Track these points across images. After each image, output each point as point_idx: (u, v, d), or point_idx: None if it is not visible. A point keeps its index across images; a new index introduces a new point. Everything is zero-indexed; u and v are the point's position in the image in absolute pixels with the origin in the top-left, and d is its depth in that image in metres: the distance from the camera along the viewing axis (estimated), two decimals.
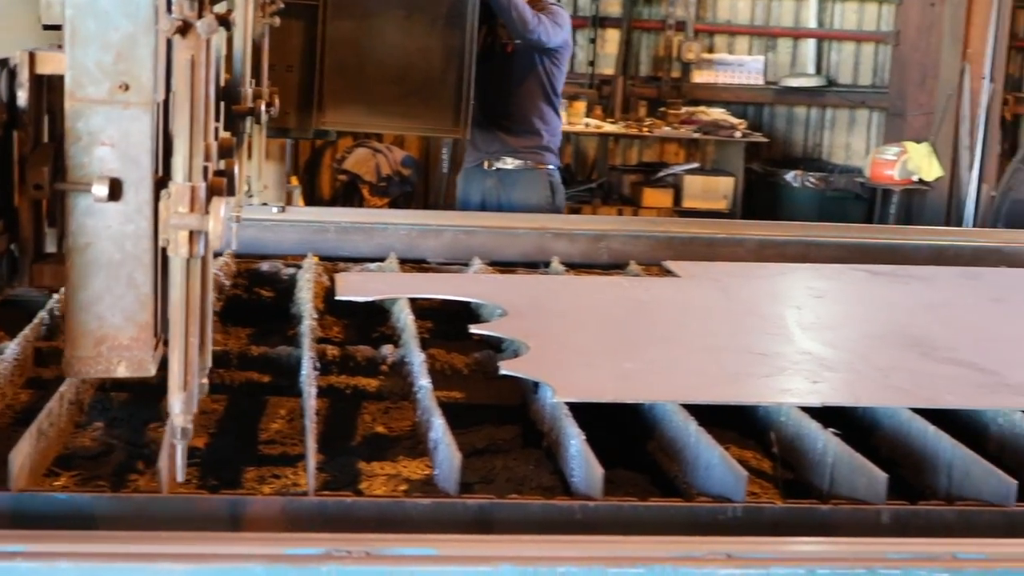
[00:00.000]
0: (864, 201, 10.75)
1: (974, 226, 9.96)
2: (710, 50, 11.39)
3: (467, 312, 3.90)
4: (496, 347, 3.53)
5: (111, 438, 2.97)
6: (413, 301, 3.84)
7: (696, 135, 10.89)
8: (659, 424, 2.97)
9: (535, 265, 4.69)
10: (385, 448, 3.03)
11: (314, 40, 5.17)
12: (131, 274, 2.04)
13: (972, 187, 10.22)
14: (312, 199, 10.01)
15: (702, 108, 10.97)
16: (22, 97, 2.09)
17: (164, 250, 2.01)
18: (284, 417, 3.23)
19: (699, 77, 11.28)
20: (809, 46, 11.44)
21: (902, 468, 2.91)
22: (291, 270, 4.25)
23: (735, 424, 3.12)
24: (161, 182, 2.02)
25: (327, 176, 10.93)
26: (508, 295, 3.97)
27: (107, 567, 2.08)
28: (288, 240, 4.58)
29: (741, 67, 11.32)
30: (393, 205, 10.26)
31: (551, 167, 6.63)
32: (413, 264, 4.60)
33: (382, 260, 4.46)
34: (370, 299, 3.90)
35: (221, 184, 2.01)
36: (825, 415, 2.99)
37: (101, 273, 2.04)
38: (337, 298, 3.90)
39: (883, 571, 2.17)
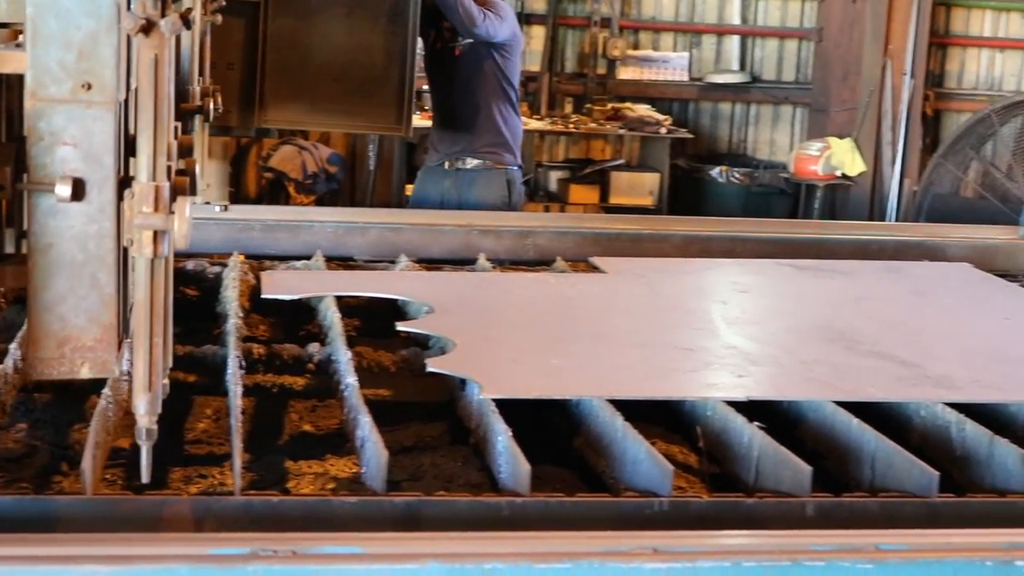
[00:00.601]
0: (788, 196, 10.83)
1: (897, 220, 10.06)
2: (635, 47, 11.43)
3: (394, 310, 3.89)
4: (423, 344, 3.52)
5: (34, 440, 2.94)
6: (340, 299, 3.83)
7: (622, 131, 10.92)
8: (586, 420, 2.98)
9: (462, 262, 4.69)
10: (312, 447, 3.02)
11: (255, 38, 5.13)
12: (94, 274, 2.03)
13: (894, 182, 10.32)
14: (238, 197, 9.94)
15: (628, 104, 11.01)
16: None
17: (126, 250, 2.00)
18: (210, 417, 3.21)
19: (624, 74, 11.31)
20: (733, 42, 11.51)
21: (827, 460, 2.93)
22: (216, 269, 4.22)
23: (662, 419, 3.13)
24: (123, 182, 2.00)
25: (252, 174, 10.87)
26: (435, 292, 3.97)
27: (28, 570, 2.06)
28: (214, 238, 4.54)
29: (666, 63, 11.37)
30: (319, 203, 10.21)
31: (511, 166, 6.65)
32: (340, 262, 4.58)
33: (308, 258, 4.44)
34: (296, 297, 3.88)
35: (184, 183, 2.00)
36: (751, 409, 3.01)
37: (64, 274, 2.03)
38: (263, 296, 3.88)
39: (807, 563, 2.19)
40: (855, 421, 2.93)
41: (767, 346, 3.64)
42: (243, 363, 3.15)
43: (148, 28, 1.90)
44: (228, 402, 2.96)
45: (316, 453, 2.95)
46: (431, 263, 4.64)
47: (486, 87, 6.51)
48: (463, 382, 3.13)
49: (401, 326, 3.61)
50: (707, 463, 2.90)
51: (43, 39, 1.97)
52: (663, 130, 10.79)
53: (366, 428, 2.67)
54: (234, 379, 2.96)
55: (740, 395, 3.11)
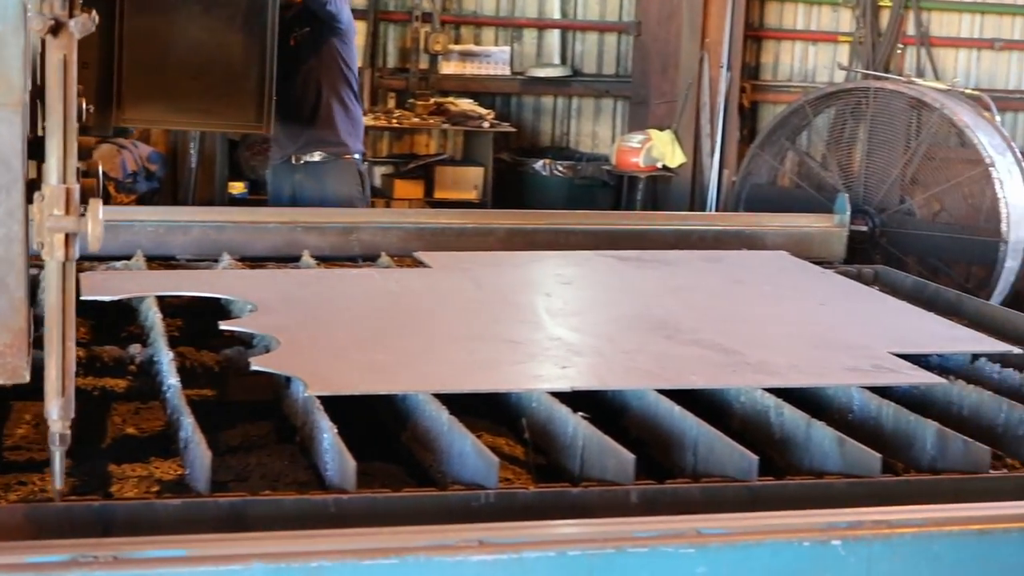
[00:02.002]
0: (611, 188, 10.94)
1: (716, 210, 10.22)
2: (457, 41, 11.45)
3: (217, 309, 3.85)
4: (247, 343, 3.49)
5: None
6: (161, 299, 3.78)
7: (445, 126, 10.93)
8: (412, 414, 2.98)
9: (286, 259, 4.66)
10: (136, 449, 2.97)
11: (111, 36, 5.02)
12: (3, 279, 1.99)
13: (714, 173, 10.49)
14: None
15: (451, 99, 11.02)
16: None
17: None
18: (29, 422, 3.14)
19: (447, 68, 11.32)
20: (554, 36, 11.59)
21: (650, 448, 2.98)
22: (34, 271, 4.12)
23: (488, 412, 3.14)
24: (29, 185, 1.95)
25: None
26: (258, 290, 3.94)
27: None
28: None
29: (488, 58, 11.40)
30: (140, 202, 10.04)
31: (357, 156, 6.59)
32: (161, 261, 4.52)
33: (128, 258, 4.36)
34: (117, 298, 3.82)
35: (93, 185, 1.96)
36: (576, 399, 3.04)
37: None
38: (82, 298, 3.81)
39: (631, 549, 2.22)
40: (677, 408, 2.98)
41: (590, 337, 3.68)
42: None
43: (57, 29, 1.87)
44: None
45: (140, 456, 2.90)
46: (255, 261, 4.60)
47: (328, 75, 6.46)
48: (288, 380, 3.11)
49: (224, 325, 3.57)
50: (533, 454, 2.92)
51: None
52: (486, 124, 10.82)
53: (189, 429, 2.65)
54: None
55: (564, 386, 3.13)
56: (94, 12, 1.91)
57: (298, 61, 6.36)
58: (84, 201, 1.95)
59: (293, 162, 6.53)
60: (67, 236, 1.92)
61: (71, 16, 1.88)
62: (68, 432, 2.04)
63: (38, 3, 1.87)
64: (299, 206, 6.33)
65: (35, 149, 2.04)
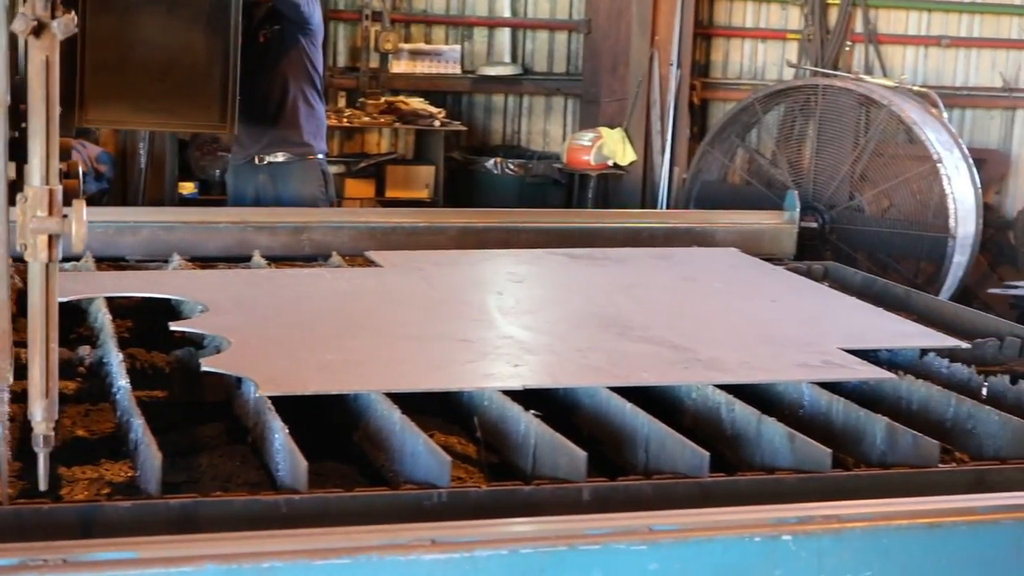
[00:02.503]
0: (562, 186, 10.94)
1: (667, 208, 10.25)
2: (407, 40, 11.43)
3: (168, 309, 3.83)
4: (198, 344, 3.48)
5: None
6: (111, 300, 3.75)
7: (396, 125, 10.91)
8: (364, 414, 2.98)
9: (237, 259, 4.64)
10: (86, 452, 2.95)
11: (73, 36, 4.97)
12: None
13: (664, 170, 10.51)
14: None
15: (401, 98, 10.99)
16: None
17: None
18: None
19: (397, 67, 11.29)
20: (504, 35, 11.59)
21: (603, 445, 2.99)
22: None
23: (440, 411, 3.14)
24: (11, 186, 1.94)
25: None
26: (209, 291, 3.92)
27: None
28: None
29: (439, 57, 11.38)
30: (90, 203, 9.95)
31: (320, 156, 6.55)
32: (111, 262, 4.49)
33: (77, 259, 4.33)
34: (65, 300, 3.79)
35: (75, 186, 1.95)
36: (528, 397, 3.05)
37: None
38: None
39: (583, 547, 2.23)
40: (629, 406, 2.99)
41: (542, 335, 3.68)
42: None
43: (39, 30, 1.87)
44: None
45: (90, 458, 2.88)
46: (205, 261, 4.58)
47: (294, 75, 6.42)
48: (239, 381, 3.10)
49: (175, 326, 3.56)
50: (485, 453, 2.92)
51: None
52: (437, 123, 10.80)
53: (139, 431, 2.63)
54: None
55: (516, 384, 3.14)
56: (73, 13, 1.91)
57: (265, 60, 6.33)
58: (67, 202, 1.94)
59: (256, 162, 6.48)
60: (50, 237, 1.91)
61: (53, 17, 1.88)
62: (52, 433, 2.04)
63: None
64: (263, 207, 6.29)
65: (14, 150, 2.02)
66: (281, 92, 6.40)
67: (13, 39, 1.96)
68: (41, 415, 2.00)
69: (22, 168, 2.00)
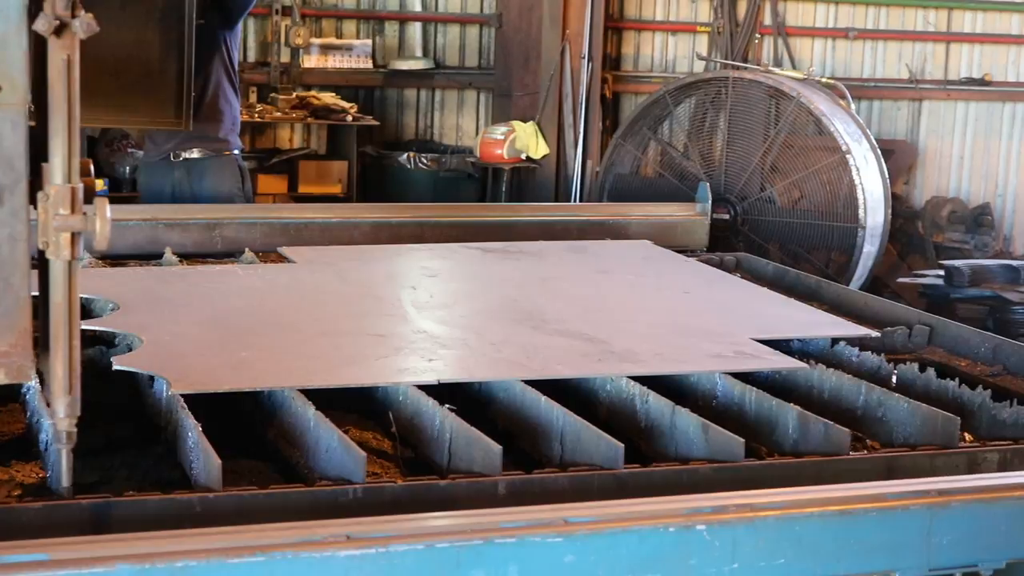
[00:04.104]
0: (476, 180, 10.95)
1: (581, 201, 10.28)
2: (318, 35, 11.38)
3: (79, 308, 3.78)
4: (109, 343, 3.44)
5: None
6: None
7: (309, 120, 10.86)
8: (278, 411, 2.96)
9: (148, 257, 4.60)
10: None
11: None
12: (7, 279, 2.00)
13: (577, 163, 10.54)
14: None
15: (313, 93, 10.93)
16: None
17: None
18: None
19: (309, 62, 11.24)
20: (416, 29, 11.56)
21: (518, 439, 2.99)
22: None
23: (355, 406, 3.14)
24: (31, 185, 1.94)
25: None
26: (120, 289, 3.89)
27: None
28: None
29: (350, 51, 11.34)
30: None
31: (236, 151, 6.48)
32: None
33: None
34: None
35: (94, 184, 1.95)
36: (443, 392, 3.05)
37: None
38: None
39: (499, 540, 2.23)
40: (544, 399, 3.00)
41: (456, 329, 3.68)
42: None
43: (60, 29, 1.88)
44: None
45: (1, 459, 2.85)
46: (116, 259, 4.53)
47: (214, 72, 6.34)
48: (151, 379, 3.08)
49: (86, 325, 3.51)
50: (401, 448, 2.92)
51: None
52: (349, 118, 10.76)
53: (49, 431, 2.60)
54: None
55: (431, 379, 3.14)
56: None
57: None
58: (87, 200, 1.92)
59: (172, 159, 6.39)
60: (72, 235, 1.90)
61: (74, 16, 1.88)
62: (74, 430, 2.04)
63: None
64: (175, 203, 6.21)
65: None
66: (199, 88, 6.33)
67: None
68: (64, 412, 2.02)
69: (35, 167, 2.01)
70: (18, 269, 2.02)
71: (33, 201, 2.06)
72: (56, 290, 1.98)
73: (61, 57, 1.92)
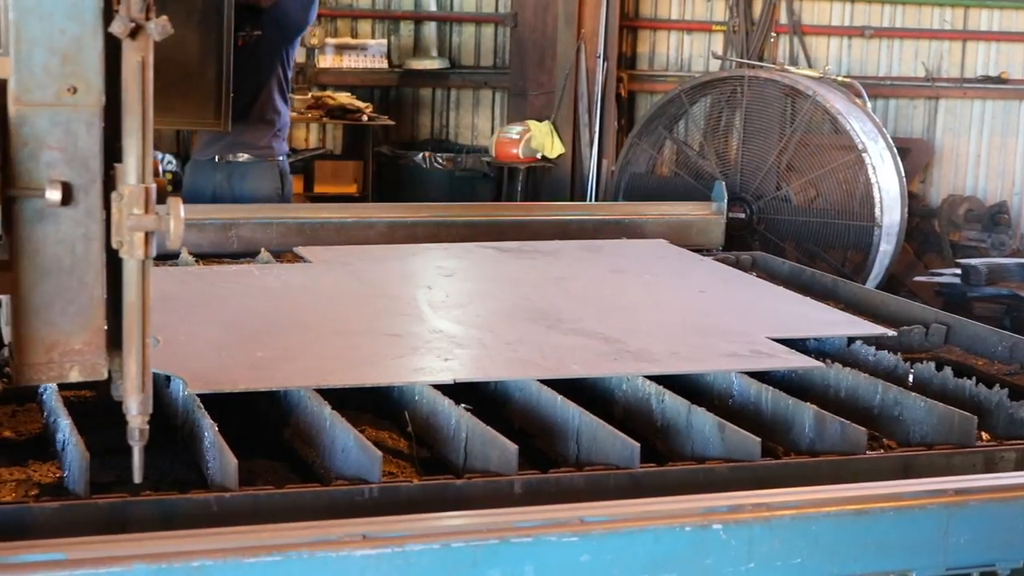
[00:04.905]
0: (491, 179, 10.95)
1: (596, 200, 10.27)
2: (334, 34, 11.38)
3: None
4: None
5: None
6: None
7: (324, 120, 10.87)
8: (294, 411, 2.97)
9: (164, 257, 4.60)
10: (14, 453, 2.92)
11: None
12: (82, 278, 2.03)
13: (593, 162, 10.54)
14: None
15: (328, 93, 10.95)
16: None
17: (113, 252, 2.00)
18: None
19: (324, 62, 11.25)
20: (431, 29, 11.57)
21: (534, 438, 2.99)
22: None
23: (371, 406, 3.14)
24: (104, 184, 1.99)
25: None
26: None
27: None
28: None
29: (365, 51, 11.35)
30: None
31: (281, 157, 6.53)
32: None
33: None
34: None
35: (164, 184, 2.00)
36: (458, 391, 3.05)
37: (51, 278, 2.03)
38: None
39: (515, 540, 2.23)
40: (560, 398, 2.99)
41: (472, 328, 3.68)
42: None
43: (136, 32, 1.92)
44: None
45: (18, 459, 2.85)
46: None
47: (268, 79, 6.39)
48: (168, 379, 3.08)
49: None
50: (416, 447, 2.92)
51: (27, 43, 1.96)
52: (365, 118, 10.77)
53: (66, 431, 2.61)
54: None
55: (447, 378, 3.14)
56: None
57: (241, 63, 6.26)
58: (160, 200, 1.99)
59: (217, 161, 6.44)
60: (146, 235, 1.97)
61: (148, 19, 1.93)
62: (147, 427, 2.07)
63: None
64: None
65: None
66: (251, 96, 6.35)
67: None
68: (137, 409, 2.06)
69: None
70: (92, 268, 2.05)
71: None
72: (130, 289, 2.02)
73: (136, 59, 1.95)
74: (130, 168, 1.96)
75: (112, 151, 2.04)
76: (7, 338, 2.21)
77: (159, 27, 1.94)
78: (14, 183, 2.00)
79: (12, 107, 1.98)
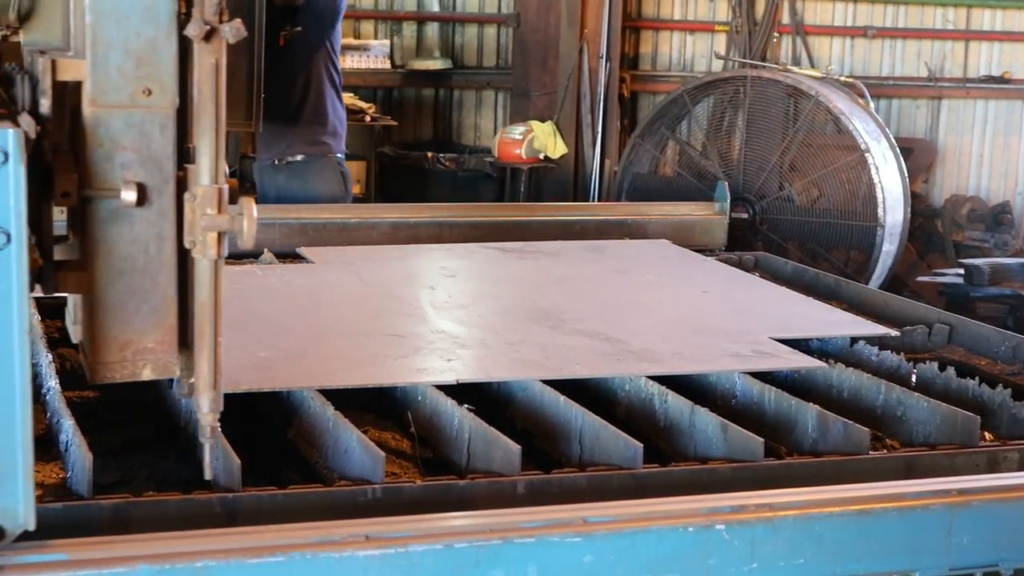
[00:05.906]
0: (494, 180, 10.95)
1: (599, 200, 10.27)
2: None
3: None
4: None
5: None
6: (39, 300, 3.71)
7: None
8: (298, 411, 2.97)
9: None
10: None
11: None
12: (155, 277, 2.07)
13: (595, 163, 10.54)
14: None
15: None
16: (45, 104, 2.04)
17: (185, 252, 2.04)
18: None
19: None
20: (434, 29, 11.57)
21: (537, 439, 2.99)
22: None
23: (374, 406, 3.14)
24: (178, 185, 2.03)
25: None
26: None
27: None
28: None
29: (367, 51, 11.35)
30: None
31: (339, 155, 6.52)
32: None
33: None
34: None
35: (235, 185, 2.05)
36: (461, 391, 3.05)
37: (125, 278, 2.07)
38: None
39: (518, 540, 2.23)
40: (562, 398, 2.99)
41: (475, 329, 3.68)
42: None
43: (210, 34, 1.96)
44: None
45: None
46: None
47: (315, 76, 6.38)
48: (171, 379, 3.07)
49: None
50: (419, 448, 2.92)
51: (103, 46, 1.98)
52: (368, 118, 10.77)
53: (70, 431, 2.61)
54: None
55: (450, 379, 3.14)
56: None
57: (286, 61, 6.26)
58: (232, 201, 2.02)
59: (277, 163, 6.45)
60: (219, 235, 2.00)
61: (222, 22, 1.96)
62: (218, 424, 2.10)
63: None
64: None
65: None
66: (302, 93, 6.35)
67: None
68: (208, 407, 2.10)
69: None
70: (165, 268, 2.08)
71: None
72: (202, 289, 2.04)
73: (210, 61, 1.98)
74: (203, 169, 1.99)
75: (181, 152, 2.07)
76: (76, 337, 2.24)
77: (233, 29, 1.96)
78: (90, 184, 2.03)
79: (87, 109, 2.01)
